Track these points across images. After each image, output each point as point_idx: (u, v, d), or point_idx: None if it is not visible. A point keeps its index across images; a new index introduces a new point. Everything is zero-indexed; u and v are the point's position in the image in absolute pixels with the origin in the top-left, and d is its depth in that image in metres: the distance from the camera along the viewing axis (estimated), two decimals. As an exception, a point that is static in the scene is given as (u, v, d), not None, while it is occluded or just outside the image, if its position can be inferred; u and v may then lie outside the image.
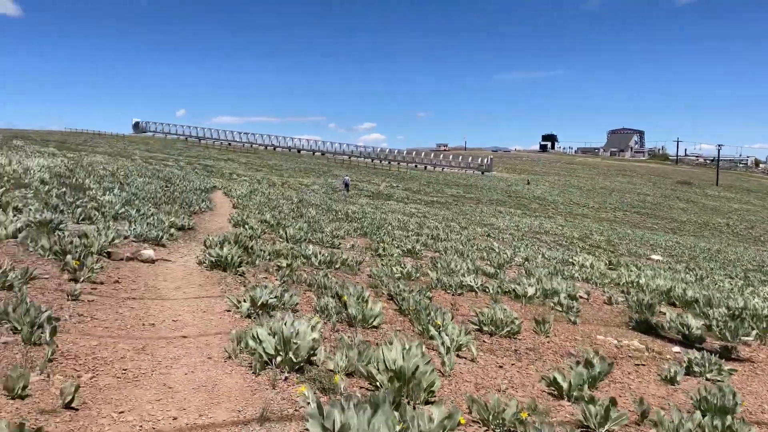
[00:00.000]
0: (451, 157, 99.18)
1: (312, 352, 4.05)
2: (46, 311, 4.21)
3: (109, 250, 7.93)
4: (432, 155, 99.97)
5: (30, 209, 9.39)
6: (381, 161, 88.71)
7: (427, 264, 12.06)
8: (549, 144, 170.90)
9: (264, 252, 9.47)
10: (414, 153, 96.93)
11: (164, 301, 5.97)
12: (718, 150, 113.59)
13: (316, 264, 9.56)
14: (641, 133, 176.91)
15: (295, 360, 3.87)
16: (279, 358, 3.89)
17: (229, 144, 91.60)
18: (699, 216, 61.97)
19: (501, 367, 5.14)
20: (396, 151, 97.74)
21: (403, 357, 3.83)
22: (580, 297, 10.21)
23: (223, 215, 16.29)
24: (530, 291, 9.02)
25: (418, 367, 3.81)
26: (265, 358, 3.89)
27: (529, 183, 75.73)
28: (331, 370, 4.15)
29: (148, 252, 8.12)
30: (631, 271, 15.12)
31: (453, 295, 8.70)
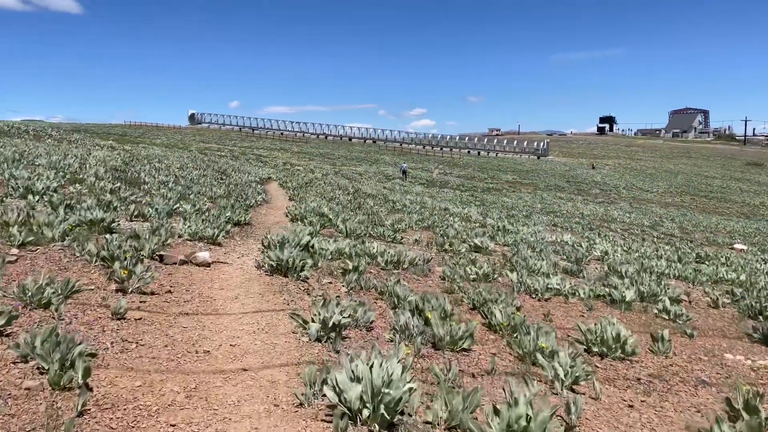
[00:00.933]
0: (505, 141, 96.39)
1: (406, 400, 3.16)
2: (80, 344, 3.46)
3: (161, 252, 7.28)
4: (485, 140, 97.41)
5: (82, 207, 8.87)
6: (433, 147, 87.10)
7: (500, 260, 11.04)
8: (607, 126, 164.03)
9: (325, 251, 8.68)
10: (467, 138, 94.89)
11: (220, 316, 5.21)
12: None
13: (383, 264, 8.70)
14: (705, 113, 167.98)
15: (387, 416, 2.98)
16: (366, 413, 3.00)
17: (282, 133, 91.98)
18: (774, 199, 57.94)
19: (631, 406, 4.12)
20: (448, 137, 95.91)
21: (527, 414, 2.89)
22: (681, 300, 9.01)
23: (279, 208, 15.65)
24: (628, 295, 7.88)
25: (546, 427, 2.86)
26: (348, 413, 3.01)
27: (594, 167, 72.72)
28: (428, 422, 3.26)
29: (203, 255, 7.43)
30: (726, 265, 13.63)
31: (540, 300, 7.68)
